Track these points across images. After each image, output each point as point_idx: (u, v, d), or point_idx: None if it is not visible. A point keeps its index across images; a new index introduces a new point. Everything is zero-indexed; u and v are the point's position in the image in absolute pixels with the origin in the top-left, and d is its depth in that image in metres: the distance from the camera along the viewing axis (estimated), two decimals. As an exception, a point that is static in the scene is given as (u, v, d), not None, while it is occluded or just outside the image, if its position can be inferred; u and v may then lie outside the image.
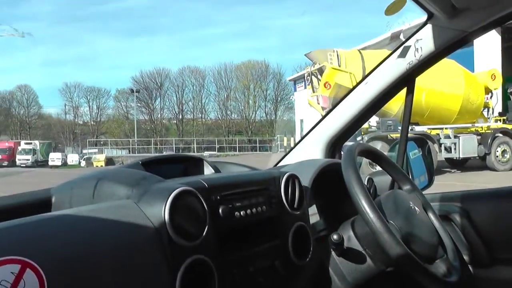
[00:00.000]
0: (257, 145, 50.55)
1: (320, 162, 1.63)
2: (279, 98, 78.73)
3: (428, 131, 16.37)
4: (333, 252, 1.41)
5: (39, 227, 0.94)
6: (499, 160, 16.68)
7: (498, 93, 18.92)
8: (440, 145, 16.41)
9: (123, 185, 1.16)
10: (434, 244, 1.46)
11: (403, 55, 1.72)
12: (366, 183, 1.70)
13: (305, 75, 18.16)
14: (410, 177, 1.77)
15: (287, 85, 78.55)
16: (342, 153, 1.95)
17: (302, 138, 2.02)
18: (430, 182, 1.99)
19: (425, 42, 1.70)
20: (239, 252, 1.21)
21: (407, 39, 1.75)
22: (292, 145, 16.41)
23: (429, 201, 1.63)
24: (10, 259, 0.80)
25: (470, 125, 17.26)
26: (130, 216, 1.03)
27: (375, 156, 1.61)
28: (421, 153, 2.04)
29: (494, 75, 17.94)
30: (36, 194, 1.28)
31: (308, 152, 1.92)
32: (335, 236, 1.34)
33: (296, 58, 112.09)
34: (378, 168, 1.66)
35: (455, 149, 16.58)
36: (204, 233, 1.08)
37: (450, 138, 16.57)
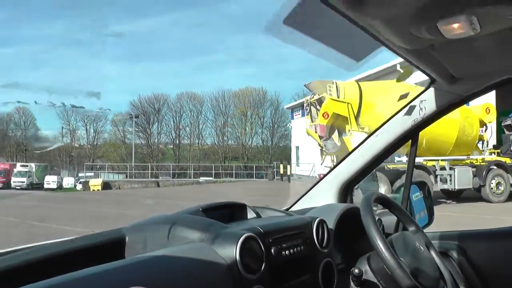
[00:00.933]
0: (254, 171, 50.52)
1: (341, 207, 1.92)
2: (275, 125, 79.38)
3: (425, 163, 16.70)
4: (352, 283, 1.65)
5: (151, 263, 1.23)
6: (494, 192, 16.96)
7: (492, 126, 19.31)
8: (436, 176, 16.72)
9: (196, 230, 1.42)
10: (436, 278, 1.71)
11: (409, 113, 1.98)
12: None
13: (304, 105, 18.53)
14: (412, 216, 2.03)
15: (284, 113, 79.01)
16: (353, 195, 2.21)
17: (316, 183, 2.25)
18: (430, 221, 2.24)
19: (428, 103, 1.96)
20: (286, 282, 1.50)
21: (413, 100, 2.00)
22: (288, 172, 16.96)
23: (430, 240, 1.87)
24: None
25: (465, 157, 17.58)
26: (208, 256, 1.30)
27: (386, 202, 1.87)
28: (422, 195, 2.28)
29: (489, 109, 18.38)
30: (110, 233, 1.50)
31: (324, 195, 2.18)
32: (356, 270, 1.62)
33: (293, 86, 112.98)
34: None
35: (450, 180, 16.89)
36: (262, 268, 1.37)
37: (446, 169, 16.89)
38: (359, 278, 1.62)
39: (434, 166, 16.81)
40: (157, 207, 18.69)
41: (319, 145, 17.29)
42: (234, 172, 50.30)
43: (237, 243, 1.31)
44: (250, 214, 1.81)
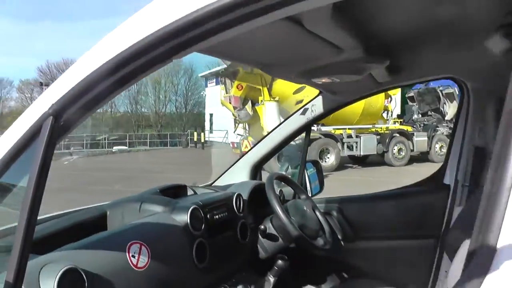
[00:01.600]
0: (168, 140, 50.34)
1: (252, 183, 2.64)
2: (189, 93, 79.18)
3: (333, 131, 17.83)
4: (260, 236, 2.35)
5: (138, 228, 1.86)
6: (396, 157, 18.49)
7: (397, 98, 20.82)
8: (343, 143, 17.92)
9: (159, 205, 2.06)
10: (316, 229, 2.43)
11: (303, 113, 2.65)
12: (278, 193, 2.55)
13: (220, 76, 18.94)
14: (308, 186, 2.72)
15: (198, 80, 78.87)
16: (262, 172, 2.83)
17: (233, 164, 2.83)
18: (321, 189, 2.96)
19: (317, 107, 2.62)
20: (217, 236, 2.16)
21: (306, 103, 2.66)
22: (202, 140, 17.62)
23: (317, 203, 2.63)
24: (136, 241, 1.68)
25: (371, 126, 18.91)
26: (170, 221, 1.96)
27: (284, 179, 2.58)
28: (315, 170, 2.92)
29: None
30: (94, 210, 2.09)
31: (240, 173, 2.84)
32: (262, 227, 2.35)
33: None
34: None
35: (356, 147, 18.19)
36: (203, 227, 2.04)
37: (352, 137, 18.13)
38: (264, 232, 2.34)
39: (342, 134, 17.98)
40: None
41: (233, 114, 17.85)
42: (148, 140, 49.78)
43: (187, 212, 1.98)
44: (189, 192, 2.50)
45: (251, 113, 17.13)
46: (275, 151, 2.84)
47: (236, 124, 18.41)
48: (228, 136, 47.15)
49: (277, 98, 16.77)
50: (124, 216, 2.02)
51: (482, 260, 0.75)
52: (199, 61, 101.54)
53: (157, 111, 74.54)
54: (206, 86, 56.89)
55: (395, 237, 2.69)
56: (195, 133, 41.87)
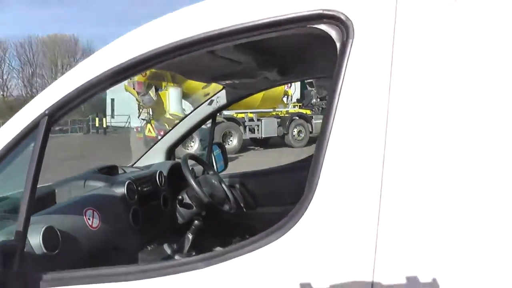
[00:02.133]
0: (69, 126, 48.31)
1: (170, 162, 3.19)
2: (89, 76, 76.47)
3: (235, 115, 18.50)
4: (178, 205, 2.82)
5: (89, 198, 2.32)
6: (295, 139, 19.56)
7: (296, 83, 21.87)
8: (245, 127, 18.66)
9: (101, 181, 2.53)
10: (223, 198, 2.99)
11: (210, 104, 3.15)
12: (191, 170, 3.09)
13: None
14: (215, 165, 3.26)
15: None
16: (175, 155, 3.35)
17: (150, 147, 3.35)
18: (225, 167, 3.55)
19: (221, 99, 3.15)
20: (146, 204, 2.66)
21: (213, 95, 3.18)
22: (104, 125, 17.73)
23: (223, 178, 3.23)
24: (89, 208, 2.13)
25: (271, 110, 19.77)
26: (111, 193, 2.44)
27: (195, 158, 3.14)
28: (220, 151, 3.50)
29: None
30: (42, 188, 2.39)
31: (157, 155, 3.34)
32: (180, 197, 2.81)
33: (108, 34, 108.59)
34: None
35: (258, 130, 18.99)
36: (136, 197, 2.52)
37: (254, 121, 18.89)
38: (181, 202, 2.81)
39: (244, 118, 18.71)
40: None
41: (137, 100, 17.89)
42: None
43: (124, 185, 2.48)
44: (121, 171, 2.97)
45: (154, 98, 17.30)
46: (185, 136, 3.40)
47: (140, 109, 18.47)
48: (130, 121, 46.40)
49: (180, 84, 17.11)
50: (71, 192, 2.45)
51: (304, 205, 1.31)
52: (98, 41, 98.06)
53: (54, 95, 71.38)
54: (107, 69, 55.10)
55: (288, 203, 3.35)
56: (97, 119, 40.76)
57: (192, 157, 3.12)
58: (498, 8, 1.19)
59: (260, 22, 1.39)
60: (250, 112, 18.80)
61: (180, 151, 3.91)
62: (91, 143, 30.93)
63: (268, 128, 19.01)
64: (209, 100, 3.18)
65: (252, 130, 18.92)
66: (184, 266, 1.37)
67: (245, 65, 2.28)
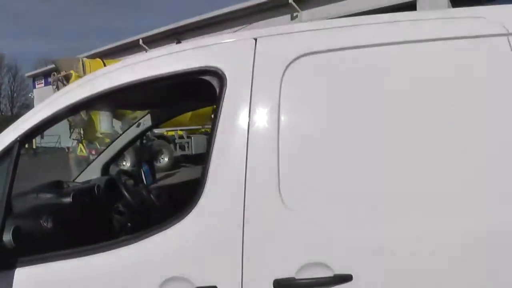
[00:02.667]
0: None
1: (106, 177, 3.68)
2: (15, 94, 74.13)
3: (166, 133, 19.02)
4: (114, 212, 3.42)
5: (43, 206, 2.95)
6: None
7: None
8: (175, 144, 19.20)
9: (50, 193, 3.26)
10: (151, 205, 3.69)
11: (138, 126, 3.79)
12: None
13: (51, 80, 18.93)
14: (145, 178, 3.88)
15: (24, 80, 74.09)
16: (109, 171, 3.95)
17: (88, 164, 3.91)
18: (154, 180, 4.14)
19: (147, 122, 3.79)
20: (88, 211, 3.24)
21: (140, 118, 3.82)
22: (34, 146, 18.04)
23: (152, 190, 3.81)
24: (43, 214, 2.81)
25: (200, 127, 20.40)
26: (60, 202, 3.10)
27: (127, 173, 3.75)
28: (148, 167, 4.14)
29: None
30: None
31: (94, 172, 3.88)
32: (115, 206, 3.47)
33: (34, 52, 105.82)
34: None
35: (188, 147, 19.55)
36: (79, 206, 3.19)
37: (184, 138, 19.45)
38: (117, 210, 3.43)
39: (174, 135, 19.26)
40: None
41: (68, 120, 18.02)
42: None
43: (70, 196, 3.14)
44: (65, 185, 3.56)
45: (85, 118, 17.50)
46: (118, 154, 4.01)
47: (72, 129, 18.54)
48: (60, 141, 45.54)
49: (111, 103, 17.44)
50: (26, 202, 3.00)
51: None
52: (24, 58, 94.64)
53: (-23, 114, 68.93)
54: (34, 87, 53.28)
55: None
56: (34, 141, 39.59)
57: (125, 172, 3.77)
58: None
59: (166, 74, 2.13)
60: (180, 130, 19.33)
61: (114, 169, 4.53)
62: (25, 164, 29.96)
63: (198, 145, 19.55)
64: (136, 123, 3.82)
65: (182, 148, 19.44)
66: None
67: (159, 100, 3.01)
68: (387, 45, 2.07)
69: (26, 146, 37.60)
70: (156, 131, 18.31)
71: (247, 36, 2.17)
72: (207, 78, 2.12)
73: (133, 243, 1.98)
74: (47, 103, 2.25)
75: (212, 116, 2.10)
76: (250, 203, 1.91)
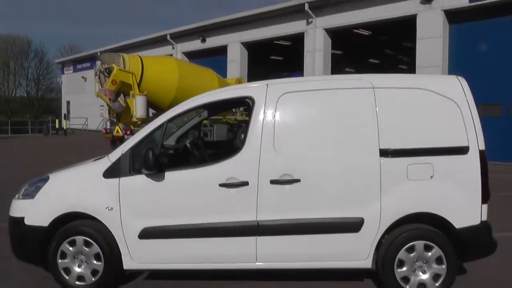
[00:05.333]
0: (29, 127, 48.36)
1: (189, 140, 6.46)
2: (41, 78, 76.82)
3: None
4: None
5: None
6: (243, 143, 23.03)
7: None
8: (200, 131, 21.92)
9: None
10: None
11: (199, 116, 6.48)
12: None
13: (95, 72, 21.74)
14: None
15: (49, 65, 76.40)
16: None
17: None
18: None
19: (203, 114, 6.53)
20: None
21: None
22: (64, 127, 21.24)
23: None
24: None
25: (222, 117, 23.14)
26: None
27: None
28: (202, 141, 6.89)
29: (240, 81, 24.50)
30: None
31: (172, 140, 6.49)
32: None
33: (60, 37, 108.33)
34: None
35: (210, 134, 22.34)
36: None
37: (207, 126, 22.25)
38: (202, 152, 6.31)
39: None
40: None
41: (108, 105, 20.71)
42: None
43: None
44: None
45: (124, 104, 20.30)
46: (187, 132, 6.56)
47: (111, 114, 21.25)
48: (88, 123, 48.69)
49: (145, 93, 20.23)
50: (168, 147, 5.62)
51: None
52: (49, 44, 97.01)
53: (6, 96, 71.91)
54: (63, 72, 56.72)
55: None
56: (57, 120, 42.45)
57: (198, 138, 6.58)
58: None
59: (223, 99, 4.96)
60: (205, 119, 21.99)
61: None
62: (74, 142, 32.83)
63: (219, 133, 22.26)
64: (198, 115, 6.35)
65: (206, 135, 22.17)
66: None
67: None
68: (316, 90, 4.72)
69: (57, 127, 40.83)
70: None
71: (264, 83, 4.81)
72: (247, 100, 4.79)
73: (211, 164, 4.70)
74: (189, 101, 4.88)
75: (248, 118, 4.78)
76: (262, 154, 4.65)
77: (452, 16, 20.13)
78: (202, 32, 32.03)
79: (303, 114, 4.78)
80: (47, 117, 52.43)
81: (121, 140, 19.88)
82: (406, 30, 22.52)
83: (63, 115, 50.20)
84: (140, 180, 4.69)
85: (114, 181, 4.73)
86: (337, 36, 26.01)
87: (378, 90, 4.68)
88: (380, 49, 34.94)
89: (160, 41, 36.24)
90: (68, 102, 53.95)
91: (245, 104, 4.89)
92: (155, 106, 21.72)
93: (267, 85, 4.82)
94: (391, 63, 35.91)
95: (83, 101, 49.20)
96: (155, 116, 21.35)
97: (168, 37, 34.76)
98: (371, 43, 31.90)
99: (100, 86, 20.85)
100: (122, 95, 20.40)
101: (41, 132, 43.73)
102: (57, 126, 41.30)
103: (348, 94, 4.75)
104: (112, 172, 4.75)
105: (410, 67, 21.15)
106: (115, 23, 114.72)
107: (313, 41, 25.34)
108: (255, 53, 30.62)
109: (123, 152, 4.80)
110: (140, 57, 21.08)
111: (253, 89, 4.86)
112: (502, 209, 9.21)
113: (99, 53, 39.90)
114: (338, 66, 29.30)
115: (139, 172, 4.68)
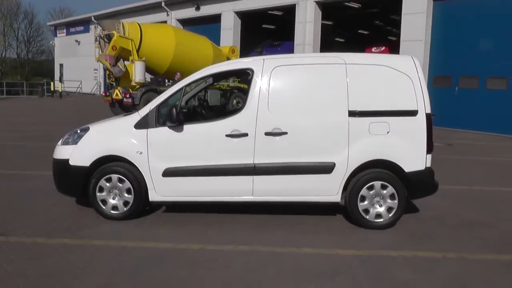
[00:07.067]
0: (25, 88, 47.92)
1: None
2: (31, 40, 76.68)
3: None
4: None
5: None
6: (235, 108, 24.16)
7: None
8: (194, 96, 23.12)
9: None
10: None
11: (205, 81, 7.80)
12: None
13: (95, 37, 22.77)
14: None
15: (40, 26, 76.12)
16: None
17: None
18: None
19: (209, 80, 7.85)
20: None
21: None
22: (60, 90, 22.91)
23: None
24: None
25: (215, 83, 24.30)
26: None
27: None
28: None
29: (234, 50, 25.68)
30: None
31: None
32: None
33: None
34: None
35: (204, 99, 23.53)
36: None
37: (202, 92, 23.40)
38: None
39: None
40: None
41: (108, 69, 21.79)
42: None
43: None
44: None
45: (123, 69, 21.42)
46: (195, 95, 7.93)
47: (110, 78, 22.35)
48: (82, 86, 49.43)
49: (143, 58, 21.36)
50: (184, 107, 6.96)
51: None
52: (39, 5, 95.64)
53: (-3, 57, 71.47)
54: (56, 35, 56.96)
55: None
56: (52, 83, 42.75)
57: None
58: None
59: (230, 70, 6.42)
60: (210, 85, 23.12)
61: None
62: (71, 104, 33.50)
63: (213, 98, 23.38)
64: (204, 81, 7.57)
65: (200, 99, 23.33)
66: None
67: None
68: (301, 65, 6.07)
69: (52, 89, 41.41)
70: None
71: (261, 58, 6.08)
72: (248, 71, 6.01)
73: (219, 120, 6.00)
74: (202, 71, 6.19)
75: (248, 85, 6.07)
76: (258, 112, 5.93)
77: (436, -7, 21.32)
78: (197, 0, 32.87)
79: (291, 82, 6.11)
80: (39, 79, 52.61)
81: (119, 102, 21.10)
82: (394, 4, 23.60)
83: (58, 78, 50.68)
84: (164, 131, 6.01)
85: (143, 131, 6.04)
86: (328, 8, 27.09)
87: (349, 65, 6.01)
88: (370, 21, 35.95)
89: (154, 8, 36.99)
90: (61, 65, 54.42)
91: (246, 74, 6.18)
92: (153, 71, 22.91)
93: (263, 60, 6.12)
94: (380, 34, 36.99)
95: (76, 64, 49.86)
96: (152, 81, 22.63)
97: (163, 4, 35.52)
98: (361, 15, 32.89)
99: (100, 51, 21.95)
100: (122, 60, 21.52)
101: (32, 94, 44.11)
102: (52, 89, 41.75)
103: (325, 68, 6.09)
104: (141, 124, 6.06)
105: (398, 39, 22.28)
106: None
107: (304, 13, 26.42)
108: (248, 22, 31.62)
109: (151, 109, 6.09)
110: (139, 24, 22.17)
111: (253, 62, 6.17)
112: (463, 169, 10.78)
113: (93, 18, 40.92)
114: (328, 36, 30.48)
115: (163, 124, 6.01)
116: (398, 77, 6.00)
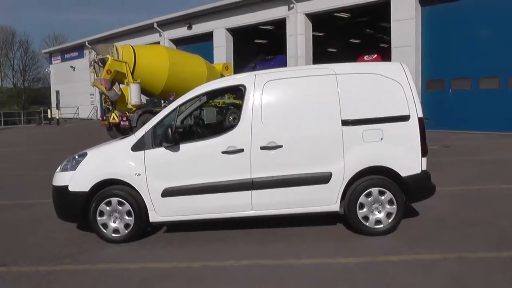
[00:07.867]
0: (22, 118, 48.10)
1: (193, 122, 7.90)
2: (27, 68, 76.97)
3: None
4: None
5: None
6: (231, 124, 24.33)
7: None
8: (191, 114, 23.20)
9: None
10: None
11: (200, 100, 7.88)
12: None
13: (89, 62, 22.89)
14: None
15: (35, 55, 76.18)
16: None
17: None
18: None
19: (203, 99, 7.95)
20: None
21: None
22: (57, 117, 22.77)
23: None
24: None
25: (210, 100, 24.40)
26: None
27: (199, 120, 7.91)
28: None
29: (227, 66, 25.83)
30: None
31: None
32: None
33: (43, 27, 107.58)
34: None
35: (200, 118, 23.62)
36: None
37: (197, 110, 23.48)
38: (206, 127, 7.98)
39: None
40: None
41: (104, 93, 21.86)
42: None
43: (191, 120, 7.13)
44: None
45: (119, 92, 21.53)
46: (190, 114, 8.02)
47: (106, 102, 22.41)
48: (79, 112, 49.59)
49: (139, 80, 21.46)
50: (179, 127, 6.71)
51: None
52: (34, 34, 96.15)
53: (-6, 87, 71.40)
54: (51, 62, 57.26)
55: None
56: (49, 111, 42.79)
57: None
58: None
59: (223, 87, 6.51)
60: (204, 103, 23.20)
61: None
62: (69, 130, 33.61)
63: (209, 116, 23.38)
64: (198, 99, 7.66)
65: (195, 118, 23.37)
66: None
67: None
68: (292, 78, 6.14)
69: (49, 116, 41.53)
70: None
71: (253, 74, 6.16)
72: (241, 87, 6.09)
73: (214, 137, 6.09)
74: (196, 89, 6.23)
75: (241, 101, 6.14)
76: (252, 127, 6.00)
77: (424, -1, 21.57)
78: (189, 20, 33.19)
79: (283, 96, 6.18)
80: (36, 108, 52.65)
81: (117, 126, 21.17)
82: (383, 12, 23.83)
83: (55, 105, 50.74)
84: (160, 152, 6.05)
85: (140, 153, 6.09)
86: (318, 19, 27.35)
87: (339, 75, 6.09)
88: (360, 29, 36.24)
89: (147, 29, 37.33)
90: (57, 92, 54.55)
91: (239, 90, 6.25)
92: (148, 93, 23.00)
93: (255, 75, 6.20)
94: (371, 42, 37.23)
95: (72, 90, 50.06)
96: (148, 102, 22.72)
97: (155, 25, 35.86)
98: (351, 25, 33.19)
99: (95, 76, 22.05)
100: (117, 83, 21.62)
101: (30, 122, 44.07)
102: (49, 116, 41.86)
103: (316, 79, 6.17)
104: (138, 146, 6.11)
105: (390, 45, 22.48)
106: (100, 11, 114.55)
107: (295, 26, 26.69)
108: (240, 38, 31.91)
109: (147, 130, 6.14)
110: (132, 46, 22.32)
111: (245, 78, 6.24)
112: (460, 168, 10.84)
113: (87, 43, 41.07)
114: (320, 47, 30.66)
115: (160, 145, 6.06)
116: (388, 83, 6.09)
